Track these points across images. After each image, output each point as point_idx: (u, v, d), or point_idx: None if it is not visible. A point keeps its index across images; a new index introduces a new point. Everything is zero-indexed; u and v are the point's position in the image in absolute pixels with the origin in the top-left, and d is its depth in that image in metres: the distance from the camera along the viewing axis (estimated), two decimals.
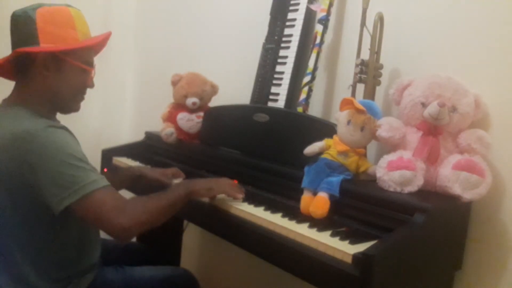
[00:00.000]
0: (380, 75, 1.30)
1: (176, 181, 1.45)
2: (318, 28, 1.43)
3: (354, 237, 0.97)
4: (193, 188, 1.18)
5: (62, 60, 1.15)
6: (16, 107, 1.13)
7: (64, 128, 1.11)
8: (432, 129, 1.11)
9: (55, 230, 1.12)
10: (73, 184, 1.02)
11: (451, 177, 1.05)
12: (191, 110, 1.67)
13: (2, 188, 1.08)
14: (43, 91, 1.16)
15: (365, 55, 1.30)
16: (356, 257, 0.88)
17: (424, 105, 1.12)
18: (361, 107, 1.14)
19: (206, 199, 1.26)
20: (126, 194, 1.25)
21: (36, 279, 1.11)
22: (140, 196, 1.13)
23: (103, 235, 1.15)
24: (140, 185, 1.50)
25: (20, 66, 1.16)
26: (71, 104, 1.22)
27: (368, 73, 1.28)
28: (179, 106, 1.69)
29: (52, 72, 1.15)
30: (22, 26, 1.12)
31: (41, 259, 1.12)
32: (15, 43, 1.14)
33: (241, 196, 1.23)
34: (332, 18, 1.47)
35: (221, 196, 1.25)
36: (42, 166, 1.02)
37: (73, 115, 1.24)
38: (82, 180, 1.03)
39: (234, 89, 1.77)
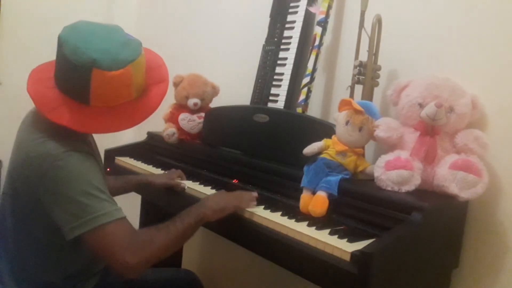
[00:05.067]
0: (378, 76, 1.31)
1: (183, 181, 1.42)
2: (317, 30, 1.44)
3: (352, 236, 0.99)
4: (204, 214, 1.12)
5: None
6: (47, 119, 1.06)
7: (88, 152, 1.05)
8: (429, 129, 1.12)
9: (65, 250, 1.10)
10: (86, 214, 0.98)
11: (448, 176, 1.06)
12: (193, 111, 1.68)
13: (18, 204, 1.08)
14: None
15: (363, 56, 1.31)
16: (354, 255, 0.89)
17: (421, 105, 1.13)
18: (359, 107, 1.15)
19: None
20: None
21: (38, 285, 1.11)
22: (149, 228, 1.07)
23: None
24: (147, 190, 1.51)
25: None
26: None
27: (366, 74, 1.30)
28: (180, 106, 1.70)
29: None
30: (76, 80, 1.02)
31: (46, 270, 1.12)
32: (66, 87, 1.05)
33: (253, 203, 1.19)
34: (331, 20, 1.49)
35: None
36: (58, 191, 0.99)
37: None
38: (95, 210, 0.98)
39: (235, 90, 1.78)
